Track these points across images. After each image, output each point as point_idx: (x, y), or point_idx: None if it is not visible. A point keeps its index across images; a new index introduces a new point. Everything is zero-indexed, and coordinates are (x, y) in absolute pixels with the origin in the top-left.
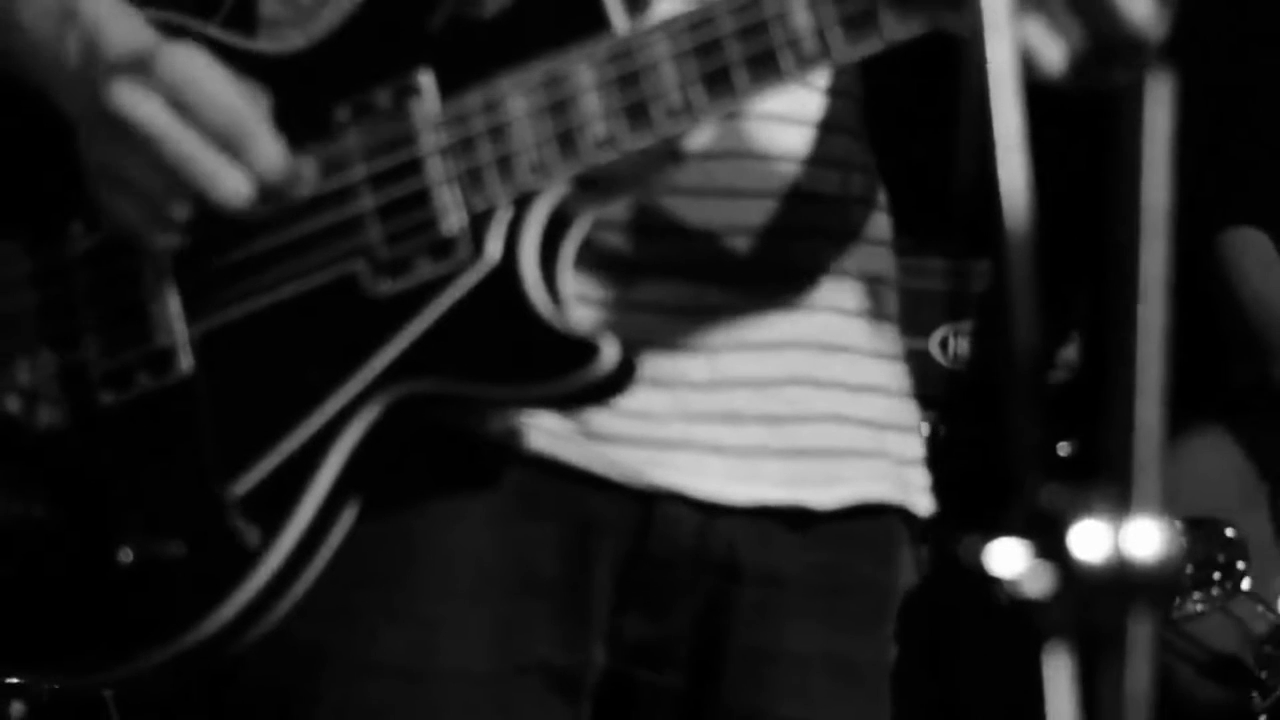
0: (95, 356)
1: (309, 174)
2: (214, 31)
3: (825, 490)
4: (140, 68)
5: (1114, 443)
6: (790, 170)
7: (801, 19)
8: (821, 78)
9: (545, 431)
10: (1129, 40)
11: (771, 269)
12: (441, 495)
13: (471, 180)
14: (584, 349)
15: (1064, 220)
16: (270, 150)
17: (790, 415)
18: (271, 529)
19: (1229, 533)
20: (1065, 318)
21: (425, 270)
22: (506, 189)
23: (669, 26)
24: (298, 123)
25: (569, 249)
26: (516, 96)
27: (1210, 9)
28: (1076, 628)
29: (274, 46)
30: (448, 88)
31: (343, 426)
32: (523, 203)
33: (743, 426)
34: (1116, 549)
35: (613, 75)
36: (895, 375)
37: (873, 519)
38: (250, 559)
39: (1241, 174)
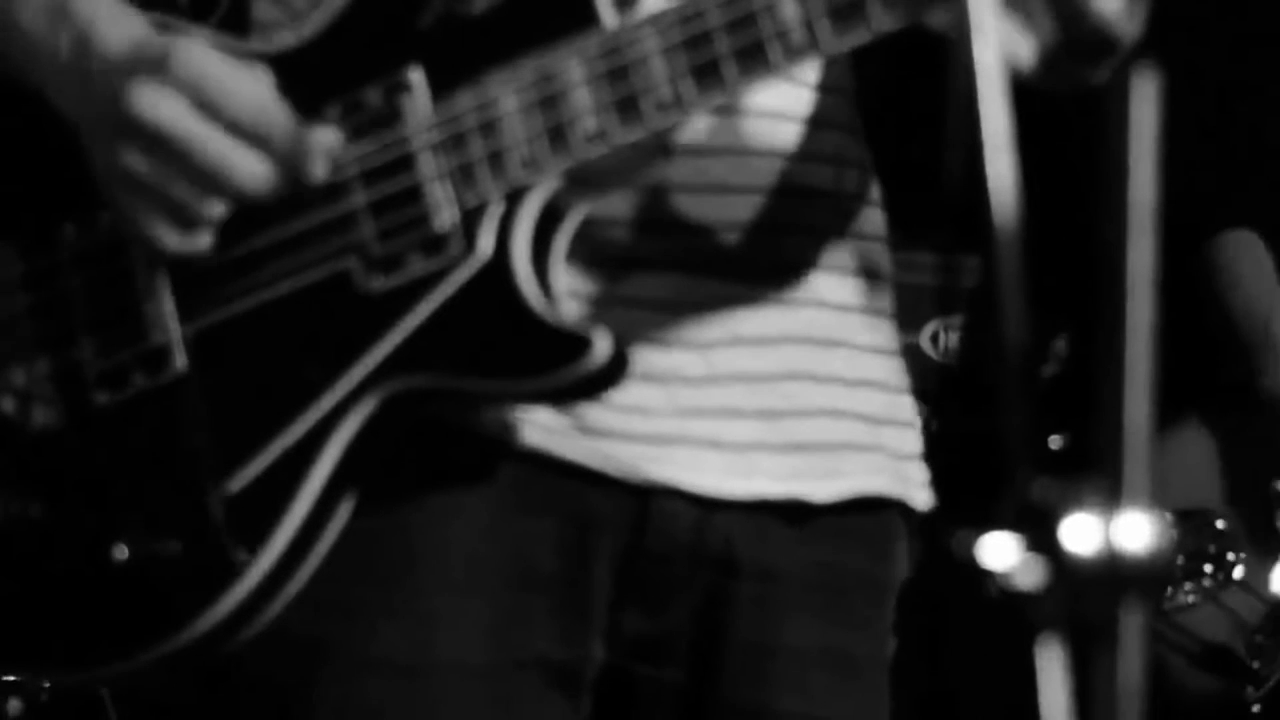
0: (90, 357)
1: (333, 141)
2: (207, 34)
3: (823, 484)
4: (156, 68)
5: (1104, 436)
6: (783, 166)
7: (789, 11)
8: (813, 74)
9: (540, 427)
10: (1099, 36)
11: (765, 264)
12: (437, 490)
13: (463, 176)
14: (576, 342)
15: (1053, 216)
16: (294, 133)
17: (787, 410)
18: (267, 525)
19: (1220, 524)
20: (1056, 312)
21: (418, 266)
22: (498, 184)
23: (658, 21)
24: None
25: (561, 244)
26: (507, 92)
27: (1208, 9)
28: (1069, 620)
29: (265, 46)
30: (438, 84)
31: (337, 423)
32: (514, 198)
33: (739, 421)
34: (1107, 541)
35: (602, 70)
36: (892, 370)
37: (870, 514)
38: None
39: (1237, 176)
